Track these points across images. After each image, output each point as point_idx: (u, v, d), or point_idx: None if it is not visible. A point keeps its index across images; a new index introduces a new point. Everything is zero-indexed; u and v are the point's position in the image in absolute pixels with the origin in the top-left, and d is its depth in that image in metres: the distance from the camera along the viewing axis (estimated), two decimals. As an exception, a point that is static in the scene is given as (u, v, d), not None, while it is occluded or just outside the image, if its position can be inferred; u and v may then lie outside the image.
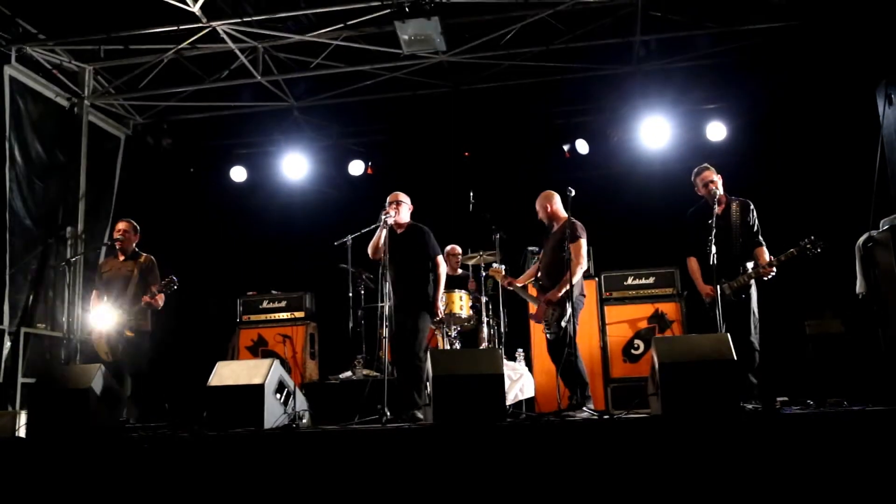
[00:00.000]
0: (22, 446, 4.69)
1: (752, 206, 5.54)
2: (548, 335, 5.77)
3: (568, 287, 5.48)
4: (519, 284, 6.27)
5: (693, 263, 5.61)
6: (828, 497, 3.67)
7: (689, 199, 5.81)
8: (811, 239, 5.14)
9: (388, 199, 5.97)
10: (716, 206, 5.44)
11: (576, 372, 5.60)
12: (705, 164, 5.66)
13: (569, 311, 5.53)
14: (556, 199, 5.98)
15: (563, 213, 5.90)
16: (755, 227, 5.49)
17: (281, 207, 9.40)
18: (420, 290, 5.84)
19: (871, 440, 3.73)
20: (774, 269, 5.25)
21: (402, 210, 5.95)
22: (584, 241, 5.72)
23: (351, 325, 7.62)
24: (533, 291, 6.13)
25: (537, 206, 6.03)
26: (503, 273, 6.38)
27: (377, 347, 7.01)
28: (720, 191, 5.48)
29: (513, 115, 8.51)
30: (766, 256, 5.36)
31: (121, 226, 6.36)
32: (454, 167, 8.82)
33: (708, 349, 4.28)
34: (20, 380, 6.98)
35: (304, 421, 5.08)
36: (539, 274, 6.03)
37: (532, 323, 7.42)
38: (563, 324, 5.57)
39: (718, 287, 5.24)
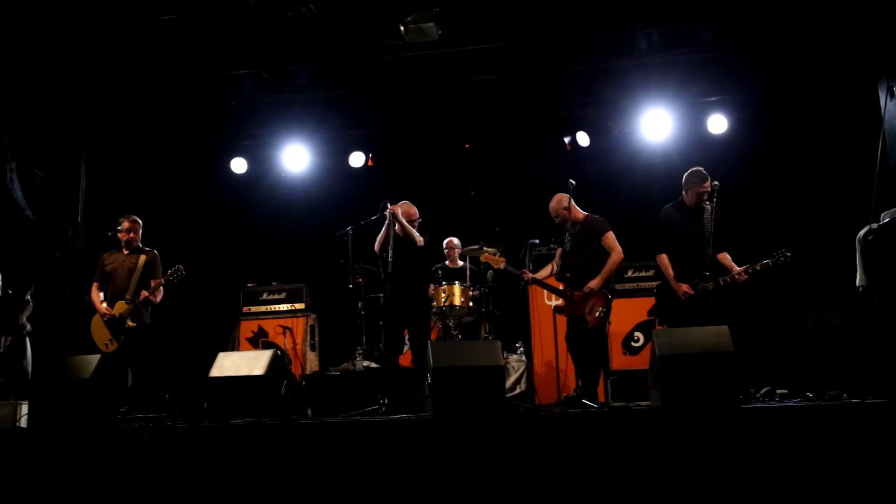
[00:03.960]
0: (23, 437, 4.71)
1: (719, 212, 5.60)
2: (588, 325, 5.85)
3: (605, 278, 5.79)
4: (540, 278, 6.30)
5: (664, 260, 5.65)
6: (827, 489, 3.68)
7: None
8: (781, 251, 5.31)
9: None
10: (700, 208, 5.53)
11: (603, 362, 5.69)
12: (704, 172, 5.61)
13: (608, 301, 5.78)
14: (569, 199, 6.00)
15: (580, 213, 5.97)
16: (723, 232, 5.55)
17: (281, 199, 9.38)
18: (417, 283, 5.89)
19: (871, 433, 3.74)
20: (747, 276, 5.40)
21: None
22: (612, 233, 5.95)
23: (351, 316, 7.62)
24: (559, 285, 6.14)
25: (552, 210, 6.09)
26: (497, 255, 6.39)
27: (379, 339, 7.01)
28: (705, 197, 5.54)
29: (514, 108, 8.48)
30: (731, 261, 5.52)
31: (125, 225, 6.33)
32: (455, 159, 8.82)
33: (708, 342, 4.29)
34: (21, 370, 6.98)
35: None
36: (558, 270, 6.06)
37: (532, 315, 7.43)
38: (600, 314, 5.71)
39: (696, 286, 5.37)
